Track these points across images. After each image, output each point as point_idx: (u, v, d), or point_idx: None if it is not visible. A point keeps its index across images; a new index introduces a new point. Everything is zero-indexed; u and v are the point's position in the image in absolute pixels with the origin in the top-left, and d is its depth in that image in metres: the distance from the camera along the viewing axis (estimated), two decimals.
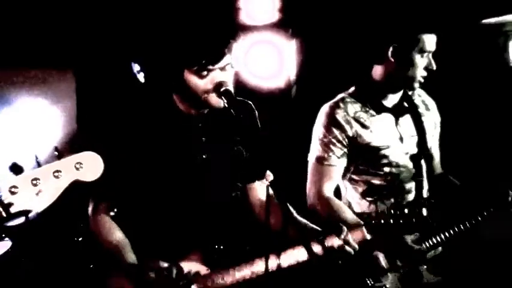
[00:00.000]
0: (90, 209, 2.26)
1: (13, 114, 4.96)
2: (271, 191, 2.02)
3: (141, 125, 2.17)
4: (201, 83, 2.07)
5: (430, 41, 2.54)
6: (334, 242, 2.16)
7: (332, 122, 2.62)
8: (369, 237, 2.24)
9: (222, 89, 2.04)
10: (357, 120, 2.64)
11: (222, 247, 2.22)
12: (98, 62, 4.85)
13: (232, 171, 2.29)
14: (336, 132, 2.61)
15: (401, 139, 2.71)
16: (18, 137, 4.94)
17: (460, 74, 4.11)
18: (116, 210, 2.25)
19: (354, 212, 2.63)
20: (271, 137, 2.71)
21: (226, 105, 2.05)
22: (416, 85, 2.61)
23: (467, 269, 3.32)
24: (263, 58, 4.36)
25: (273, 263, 2.12)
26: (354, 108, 2.66)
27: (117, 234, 2.20)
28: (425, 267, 2.78)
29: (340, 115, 2.62)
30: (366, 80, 2.73)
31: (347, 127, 2.61)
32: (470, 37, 4.06)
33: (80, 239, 4.16)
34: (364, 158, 2.67)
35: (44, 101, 5.10)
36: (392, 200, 2.70)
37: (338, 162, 2.64)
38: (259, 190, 2.42)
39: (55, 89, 5.15)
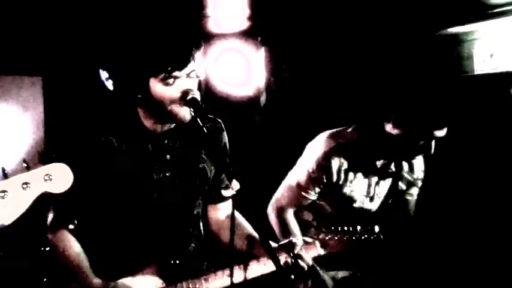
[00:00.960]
0: (49, 220, 2.20)
1: None
2: (234, 212, 2.03)
3: (106, 139, 2.13)
4: (167, 92, 2.02)
5: (441, 134, 2.63)
6: (287, 257, 2.18)
7: (325, 166, 2.77)
8: (322, 252, 2.30)
9: (188, 97, 2.01)
10: (345, 174, 2.79)
11: (178, 262, 2.20)
12: (66, 69, 4.81)
13: (195, 190, 2.27)
14: (325, 176, 2.78)
15: (371, 198, 2.93)
16: None
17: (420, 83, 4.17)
18: (75, 223, 2.20)
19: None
20: (238, 154, 2.74)
21: (193, 114, 2.03)
22: (413, 158, 2.88)
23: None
24: (232, 66, 4.38)
25: (226, 279, 2.12)
26: (346, 163, 2.78)
27: (75, 250, 2.15)
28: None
29: (334, 165, 2.76)
30: (378, 130, 2.75)
31: (335, 176, 2.78)
32: (430, 48, 4.13)
33: (47, 249, 4.11)
34: (332, 205, 2.91)
35: (11, 108, 5.03)
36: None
37: (313, 197, 2.86)
38: (220, 211, 2.42)
39: (23, 95, 5.09)
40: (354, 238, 2.37)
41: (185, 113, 2.05)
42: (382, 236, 2.43)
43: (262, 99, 4.55)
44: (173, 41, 2.07)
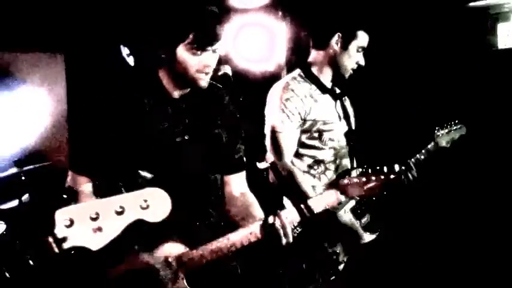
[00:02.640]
0: (68, 180, 2.23)
1: (3, 98, 4.96)
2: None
3: (127, 102, 2.17)
4: (192, 61, 2.10)
5: (365, 38, 2.90)
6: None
7: (290, 95, 2.87)
8: (342, 198, 2.30)
9: (220, 73, 2.14)
10: (310, 96, 2.91)
11: (198, 224, 2.23)
12: (88, 46, 4.84)
13: (211, 153, 2.30)
14: (294, 104, 2.86)
15: (339, 118, 3.01)
16: (7, 121, 4.95)
17: (447, 57, 4.16)
18: (95, 183, 2.21)
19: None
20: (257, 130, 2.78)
21: (211, 90, 2.11)
22: (347, 75, 2.96)
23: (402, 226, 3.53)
24: (253, 41, 4.37)
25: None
26: (305, 86, 2.94)
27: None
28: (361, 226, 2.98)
29: (297, 91, 2.89)
30: (307, 64, 3.02)
31: (303, 101, 2.88)
32: (456, 20, 4.10)
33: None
34: (313, 132, 2.91)
35: (33, 85, 5.10)
36: (332, 172, 2.96)
37: (295, 132, 2.89)
38: (233, 185, 2.42)
39: (44, 72, 5.15)
40: (373, 179, 2.33)
41: (204, 82, 2.14)
42: (403, 176, 2.50)
43: (283, 74, 4.55)
44: (211, 14, 2.11)
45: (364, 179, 2.31)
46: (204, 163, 2.29)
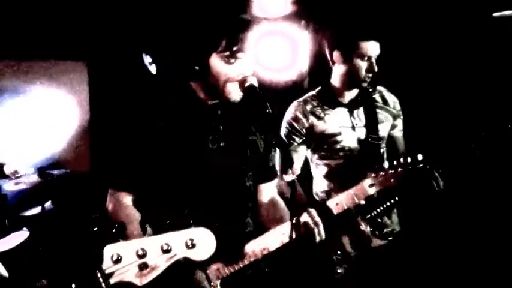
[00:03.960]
0: (108, 199, 2.22)
1: (27, 105, 5.01)
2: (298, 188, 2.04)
3: (159, 113, 2.18)
4: (225, 70, 2.09)
5: (368, 47, 2.93)
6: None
7: (293, 117, 3.09)
8: (371, 191, 2.41)
9: (247, 84, 2.07)
10: (312, 113, 3.08)
11: (237, 233, 2.20)
12: (111, 53, 4.88)
13: (247, 161, 2.29)
14: (295, 124, 3.08)
15: (353, 127, 3.10)
16: (32, 129, 5.00)
17: (473, 68, 4.12)
18: (135, 198, 2.21)
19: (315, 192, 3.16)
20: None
21: (245, 100, 2.09)
22: (364, 84, 3.03)
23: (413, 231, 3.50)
24: (275, 50, 4.36)
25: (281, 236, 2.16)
26: (311, 105, 3.10)
27: (137, 216, 2.12)
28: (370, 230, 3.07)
29: (298, 110, 3.09)
30: (326, 82, 3.17)
31: (304, 120, 3.07)
32: (482, 30, 4.06)
33: (95, 229, 4.22)
34: (323, 145, 3.09)
35: (57, 93, 5.16)
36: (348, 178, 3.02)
37: (298, 148, 3.09)
38: (264, 192, 2.43)
39: (68, 80, 5.20)
40: (399, 170, 2.45)
41: (237, 94, 2.13)
42: (428, 165, 2.53)
43: (305, 83, 4.54)
44: (242, 21, 2.12)
45: (391, 171, 2.44)
46: (241, 170, 2.28)
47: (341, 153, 3.06)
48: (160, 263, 1.46)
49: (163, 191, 2.16)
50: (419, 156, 2.50)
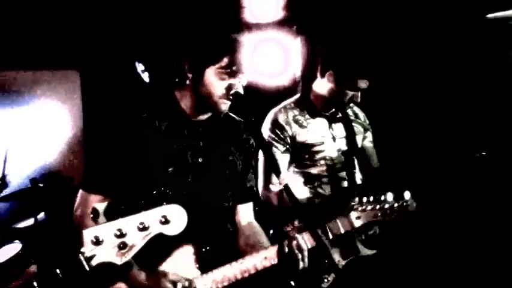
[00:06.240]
0: (77, 199, 2.20)
1: (19, 114, 4.98)
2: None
3: (142, 123, 2.17)
4: (219, 86, 2.11)
5: (364, 83, 3.00)
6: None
7: (275, 124, 3.08)
8: (358, 224, 2.50)
9: (232, 91, 2.10)
10: (296, 121, 3.09)
11: (208, 249, 2.19)
12: (103, 62, 4.86)
13: (225, 180, 2.29)
14: (279, 132, 3.06)
15: (333, 139, 3.16)
16: (25, 137, 4.97)
17: (465, 69, 4.11)
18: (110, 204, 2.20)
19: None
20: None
21: (229, 110, 2.12)
22: (346, 109, 3.18)
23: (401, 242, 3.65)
24: (268, 56, 4.36)
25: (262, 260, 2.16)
26: (293, 112, 3.12)
27: None
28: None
29: (281, 118, 3.08)
30: (307, 89, 3.22)
31: (287, 127, 3.06)
32: (475, 31, 4.05)
33: None
34: (304, 154, 3.10)
35: (49, 101, 5.13)
36: (329, 186, 3.13)
37: (282, 156, 3.07)
38: (241, 214, 2.41)
39: (60, 89, 5.17)
40: (386, 207, 2.58)
41: (226, 105, 2.15)
42: (415, 203, 2.66)
43: (299, 89, 4.52)
44: (241, 42, 2.14)
45: (378, 206, 2.56)
46: (218, 190, 2.27)
47: (322, 162, 3.11)
48: (137, 241, 1.55)
49: (134, 200, 2.12)
50: (407, 195, 2.65)
